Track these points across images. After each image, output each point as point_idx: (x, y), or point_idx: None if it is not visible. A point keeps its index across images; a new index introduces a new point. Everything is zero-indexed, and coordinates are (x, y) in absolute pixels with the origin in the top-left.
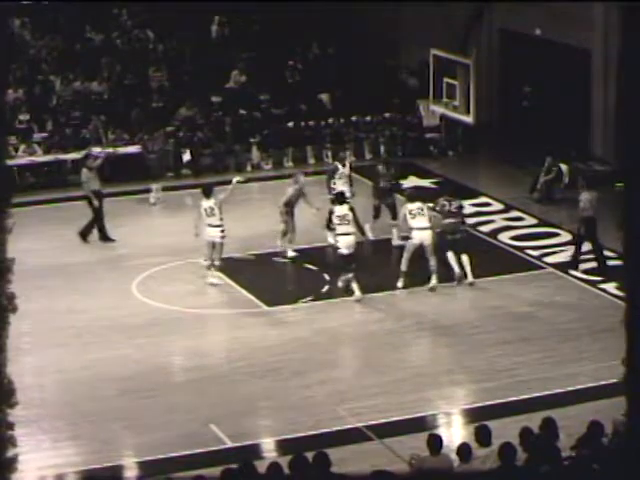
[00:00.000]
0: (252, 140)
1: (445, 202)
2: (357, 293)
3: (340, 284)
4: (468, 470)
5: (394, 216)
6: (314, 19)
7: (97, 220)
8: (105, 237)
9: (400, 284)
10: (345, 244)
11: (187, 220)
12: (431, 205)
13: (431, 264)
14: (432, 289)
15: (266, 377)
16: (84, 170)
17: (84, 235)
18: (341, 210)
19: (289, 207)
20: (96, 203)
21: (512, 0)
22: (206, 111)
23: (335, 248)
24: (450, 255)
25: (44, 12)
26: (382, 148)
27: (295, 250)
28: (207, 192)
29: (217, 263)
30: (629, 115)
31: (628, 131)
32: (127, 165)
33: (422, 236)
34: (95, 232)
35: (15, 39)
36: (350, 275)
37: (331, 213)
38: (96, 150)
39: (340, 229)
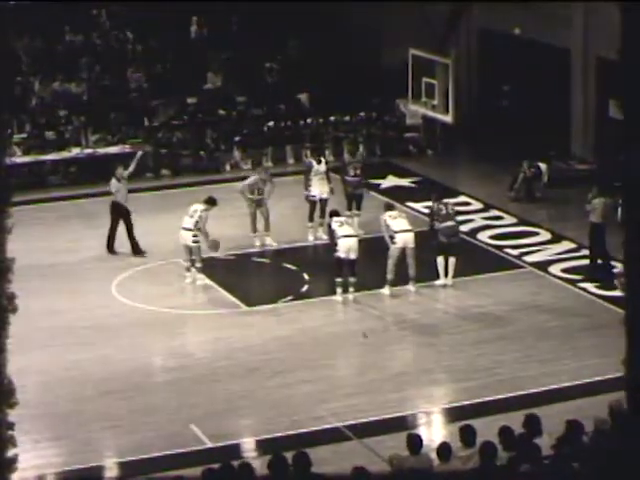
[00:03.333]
0: (235, 139)
1: (442, 206)
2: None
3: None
4: (448, 470)
5: (358, 207)
6: (295, 19)
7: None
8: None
9: (387, 291)
10: None
11: (166, 221)
12: (426, 211)
13: (410, 271)
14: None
15: (246, 377)
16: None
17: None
18: None
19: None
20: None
21: (494, 0)
22: (185, 112)
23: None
24: (440, 260)
25: (24, 12)
26: (361, 147)
27: (276, 249)
28: (209, 201)
29: (198, 265)
30: (630, 116)
31: (629, 132)
32: (107, 166)
33: (405, 239)
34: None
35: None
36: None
37: None
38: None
39: None
